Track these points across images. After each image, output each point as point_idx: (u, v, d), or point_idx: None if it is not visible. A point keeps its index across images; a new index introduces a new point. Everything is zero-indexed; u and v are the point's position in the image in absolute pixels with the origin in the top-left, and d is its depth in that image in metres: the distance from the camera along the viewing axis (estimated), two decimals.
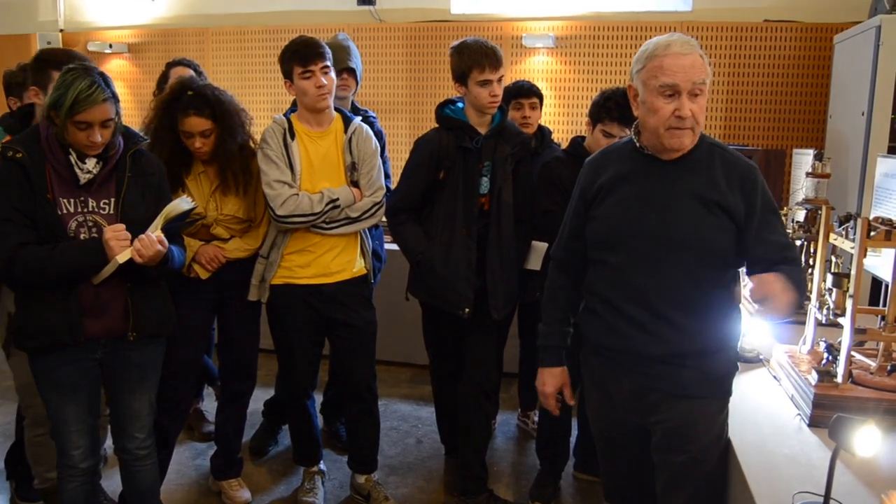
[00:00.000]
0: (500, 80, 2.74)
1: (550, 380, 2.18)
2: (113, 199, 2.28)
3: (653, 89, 1.81)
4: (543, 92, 3.71)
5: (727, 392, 1.98)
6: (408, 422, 3.86)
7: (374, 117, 3.45)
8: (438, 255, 2.82)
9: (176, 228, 2.38)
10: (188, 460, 3.44)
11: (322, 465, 3.19)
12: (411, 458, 3.46)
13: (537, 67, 5.09)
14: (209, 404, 3.76)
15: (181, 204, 2.34)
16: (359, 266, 2.94)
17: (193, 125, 2.66)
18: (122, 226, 2.20)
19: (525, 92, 3.45)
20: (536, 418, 3.52)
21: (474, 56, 2.69)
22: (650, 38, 1.90)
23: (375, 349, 3.04)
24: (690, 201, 1.85)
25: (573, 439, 3.27)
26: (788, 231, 3.02)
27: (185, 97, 2.68)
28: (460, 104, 2.87)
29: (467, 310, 2.82)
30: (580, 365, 2.17)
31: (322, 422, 3.60)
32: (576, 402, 2.48)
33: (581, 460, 3.30)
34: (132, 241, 2.18)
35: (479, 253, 2.83)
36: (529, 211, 2.90)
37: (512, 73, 5.00)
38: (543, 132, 3.52)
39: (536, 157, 3.20)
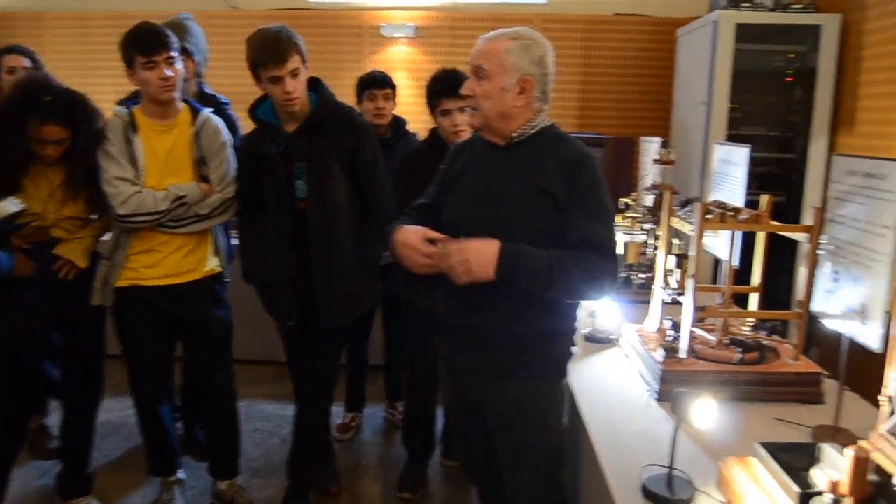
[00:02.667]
0: (294, 73, 2.49)
1: (407, 233, 1.95)
2: None
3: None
4: (404, 82, 3.71)
5: (560, 375, 2.04)
6: (272, 422, 3.75)
7: (226, 103, 3.29)
8: (261, 266, 2.72)
9: (2, 232, 2.19)
10: (31, 481, 3.19)
11: (180, 474, 3.04)
12: (276, 459, 3.36)
13: (397, 57, 5.07)
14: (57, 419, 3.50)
15: (7, 206, 2.15)
16: (211, 265, 2.81)
17: (50, 134, 2.47)
18: None
19: (378, 83, 3.42)
20: (403, 409, 3.51)
21: (256, 51, 2.49)
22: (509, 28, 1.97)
23: (232, 349, 2.92)
24: (518, 187, 1.91)
25: (439, 428, 3.29)
26: (637, 215, 3.15)
27: (42, 103, 2.46)
28: None
29: (290, 322, 2.72)
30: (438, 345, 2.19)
31: (181, 427, 3.44)
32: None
33: (447, 447, 3.32)
34: None
35: (307, 261, 2.66)
36: (383, 204, 2.73)
37: (371, 63, 4.96)
38: (398, 123, 3.50)
39: (391, 148, 3.17)
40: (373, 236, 2.72)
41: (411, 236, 1.92)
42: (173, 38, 2.60)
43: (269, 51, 2.47)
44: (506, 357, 1.96)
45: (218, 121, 2.80)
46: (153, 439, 2.94)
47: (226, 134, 2.79)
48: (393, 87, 3.49)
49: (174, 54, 2.59)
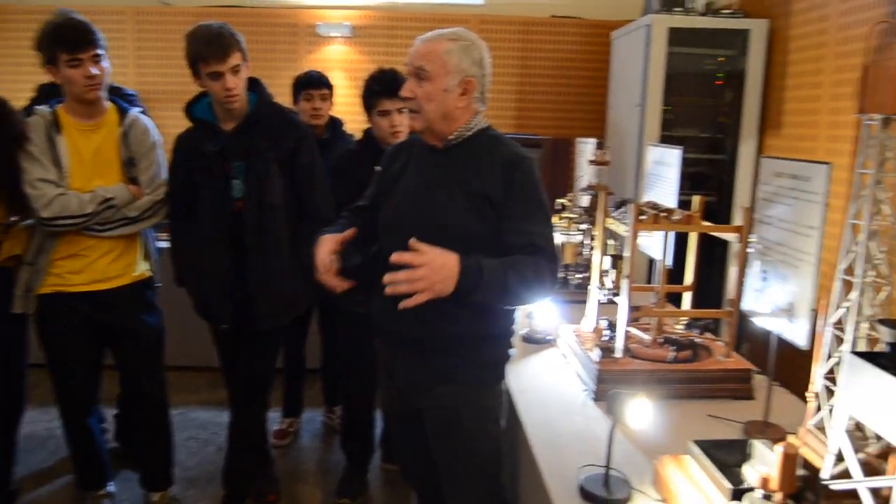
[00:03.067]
0: (235, 69, 2.44)
1: (324, 242, 1.98)
2: None
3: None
4: (341, 82, 3.65)
5: (497, 378, 2.04)
6: (207, 429, 3.67)
7: (133, 95, 3.17)
8: (196, 268, 2.65)
9: None
10: None
11: (110, 487, 2.94)
12: (212, 468, 3.28)
13: (334, 57, 5.02)
14: None
15: None
16: (141, 269, 2.72)
17: None
18: None
19: (315, 83, 3.37)
20: (341, 414, 3.47)
21: (197, 46, 2.42)
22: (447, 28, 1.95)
23: (164, 356, 2.83)
24: (453, 191, 1.90)
25: (378, 431, 3.26)
26: (573, 216, 3.18)
27: None
28: None
29: (225, 326, 2.66)
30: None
31: (115, 438, 3.33)
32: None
33: (387, 451, 3.30)
34: None
35: (242, 262, 2.59)
36: (320, 205, 2.68)
37: (308, 63, 4.90)
38: (335, 123, 3.46)
39: (328, 149, 3.13)
40: (309, 238, 2.66)
41: (320, 252, 1.94)
42: (99, 35, 2.51)
43: (210, 46, 2.41)
44: (444, 361, 1.95)
45: (147, 120, 2.72)
46: (81, 451, 2.84)
47: (155, 134, 2.71)
48: (330, 87, 3.44)
49: (100, 51, 2.50)
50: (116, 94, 2.78)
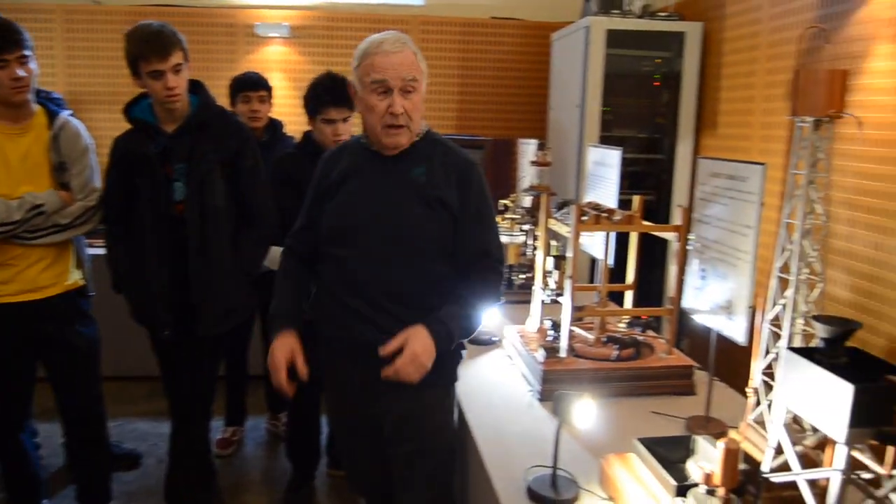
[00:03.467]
0: (175, 68, 2.39)
1: (280, 345, 1.95)
2: None
3: (366, 86, 1.85)
4: (280, 83, 3.60)
5: (452, 379, 2.04)
6: (147, 441, 3.56)
7: (58, 99, 3.06)
8: (134, 273, 2.56)
9: None
10: None
11: None
12: (153, 481, 3.19)
13: (272, 57, 4.94)
14: None
15: None
16: (73, 278, 2.62)
17: None
18: None
19: (252, 84, 3.31)
20: (286, 420, 3.41)
21: (137, 44, 2.36)
22: (386, 30, 1.91)
23: (100, 367, 2.74)
24: (411, 196, 1.90)
25: (324, 438, 3.22)
26: (516, 217, 3.20)
27: None
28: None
29: (167, 332, 2.57)
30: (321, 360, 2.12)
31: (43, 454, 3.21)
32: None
33: (333, 457, 3.26)
34: None
35: (183, 266, 2.51)
36: (262, 209, 2.64)
37: (246, 63, 4.82)
38: (275, 125, 3.41)
39: (268, 151, 3.07)
40: (252, 243, 2.62)
41: (277, 360, 1.93)
42: (26, 35, 2.41)
43: (151, 44, 2.35)
44: None
45: (78, 124, 2.62)
46: (12, 469, 2.72)
47: (87, 138, 2.62)
48: (268, 88, 3.38)
49: (27, 53, 2.41)
50: (41, 97, 2.68)
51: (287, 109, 4.66)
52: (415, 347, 1.78)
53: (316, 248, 2.04)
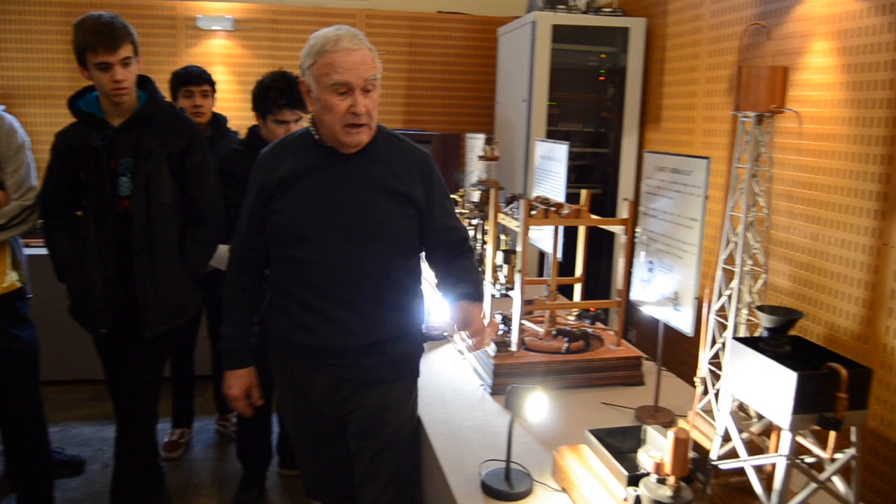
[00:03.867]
0: (124, 62, 2.34)
1: (236, 382, 2.05)
2: None
3: (326, 87, 1.78)
4: (222, 77, 3.52)
5: (416, 373, 2.03)
6: (91, 446, 3.46)
7: None
8: (76, 269, 2.47)
9: None
10: None
11: None
12: (97, 487, 3.10)
13: (215, 51, 4.84)
14: None
15: None
16: (9, 280, 2.53)
17: None
18: None
19: (195, 79, 3.23)
20: (236, 420, 3.36)
21: (85, 35, 2.30)
22: (331, 24, 1.86)
23: (39, 371, 2.65)
24: (375, 192, 1.86)
25: (275, 437, 3.17)
26: (465, 211, 3.20)
27: None
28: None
29: (103, 330, 2.50)
30: (272, 362, 2.08)
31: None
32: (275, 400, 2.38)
33: (284, 456, 3.22)
34: None
35: (127, 263, 2.45)
36: (209, 207, 2.58)
37: (188, 57, 4.71)
38: (219, 120, 3.34)
39: (212, 147, 3.00)
40: (199, 242, 2.56)
41: (235, 394, 2.06)
42: None
43: (101, 35, 2.29)
44: (369, 365, 1.90)
45: (12, 119, 2.53)
46: None
47: (22, 134, 2.53)
48: (212, 83, 3.31)
49: None
50: None
51: (230, 104, 4.58)
52: (476, 320, 1.85)
53: (266, 252, 1.98)
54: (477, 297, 1.91)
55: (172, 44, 4.82)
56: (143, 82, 2.50)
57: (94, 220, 2.41)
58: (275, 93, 2.62)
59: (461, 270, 1.95)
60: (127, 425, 2.65)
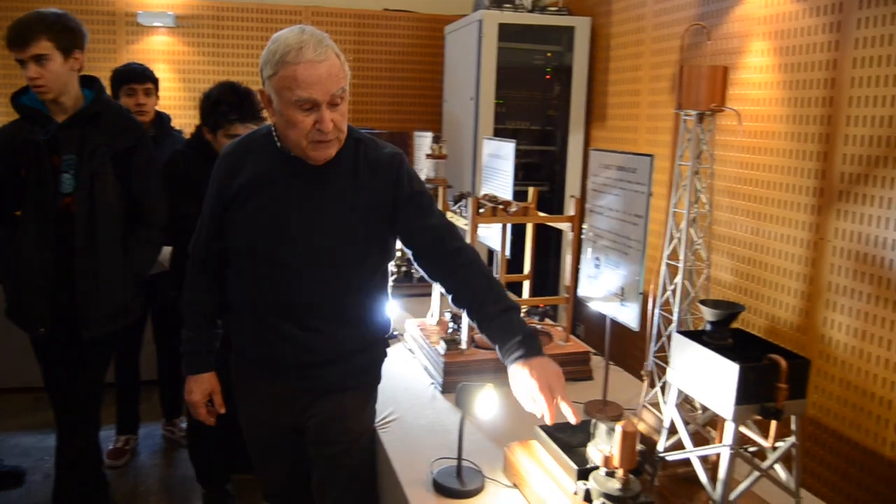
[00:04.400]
0: (38, 58, 2.27)
1: (197, 387, 1.95)
2: None
3: (289, 102, 1.63)
4: (165, 75, 3.43)
5: (377, 379, 1.98)
6: (32, 455, 3.35)
7: None
8: (13, 266, 2.40)
9: None
10: None
11: None
12: (38, 498, 3.01)
13: (157, 48, 4.73)
14: None
15: None
16: None
17: None
18: None
19: (137, 76, 3.15)
20: (184, 425, 3.29)
21: (6, 32, 2.28)
22: (277, 21, 1.78)
23: None
24: (339, 207, 1.75)
25: None
26: None
27: None
28: None
29: (42, 330, 2.43)
30: (231, 369, 2.03)
31: None
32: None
33: (238, 461, 3.16)
34: None
35: (68, 262, 2.39)
36: (154, 208, 2.53)
37: (128, 54, 4.59)
38: (162, 119, 3.27)
39: (156, 146, 2.94)
40: (143, 244, 2.51)
41: (196, 400, 1.95)
42: None
43: (12, 31, 2.26)
44: (328, 375, 1.84)
45: None
46: None
47: None
48: (154, 80, 3.24)
49: None
50: None
51: (173, 102, 4.48)
52: (548, 376, 1.61)
53: (226, 257, 1.89)
54: (537, 343, 1.67)
55: (112, 40, 4.70)
56: (90, 82, 2.45)
57: (35, 218, 2.34)
58: (224, 108, 2.54)
59: (482, 290, 1.76)
60: (68, 433, 2.58)
